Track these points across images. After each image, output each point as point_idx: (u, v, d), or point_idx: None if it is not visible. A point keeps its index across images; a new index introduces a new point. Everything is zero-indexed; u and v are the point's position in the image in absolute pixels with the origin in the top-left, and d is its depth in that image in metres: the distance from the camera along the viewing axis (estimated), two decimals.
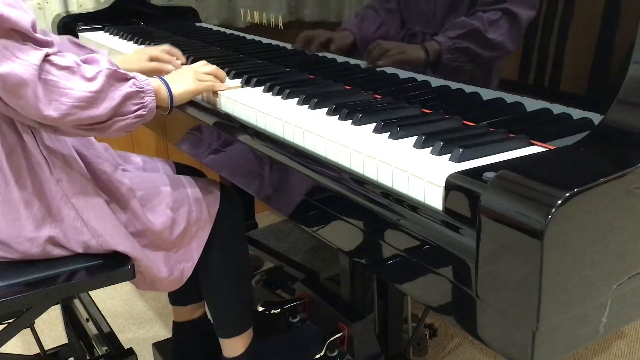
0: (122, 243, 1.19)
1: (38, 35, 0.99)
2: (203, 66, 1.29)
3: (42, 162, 1.12)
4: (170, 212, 1.26)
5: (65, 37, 1.42)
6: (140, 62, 1.44)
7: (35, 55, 0.98)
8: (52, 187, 1.13)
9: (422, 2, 1.10)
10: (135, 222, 1.22)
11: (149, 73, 1.41)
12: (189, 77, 1.23)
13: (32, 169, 1.12)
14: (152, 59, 1.45)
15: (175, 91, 1.19)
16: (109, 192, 1.20)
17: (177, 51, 1.52)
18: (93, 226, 1.16)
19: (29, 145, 1.11)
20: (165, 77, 1.20)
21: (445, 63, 1.07)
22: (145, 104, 1.10)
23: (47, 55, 1.00)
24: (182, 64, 1.50)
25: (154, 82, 1.15)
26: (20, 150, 1.11)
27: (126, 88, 1.07)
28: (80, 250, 1.18)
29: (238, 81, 1.33)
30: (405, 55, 1.15)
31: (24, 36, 0.98)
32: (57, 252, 1.17)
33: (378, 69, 1.20)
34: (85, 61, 1.07)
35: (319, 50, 1.36)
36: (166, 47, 1.51)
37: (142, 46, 1.74)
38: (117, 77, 1.07)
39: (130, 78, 1.09)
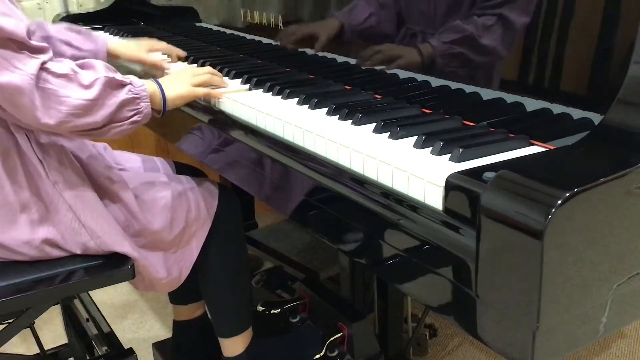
0: (120, 243, 1.18)
1: (33, 42, 0.99)
2: (198, 70, 1.27)
3: (38, 164, 1.11)
4: (169, 211, 1.26)
5: (62, 25, 1.43)
6: (140, 52, 1.47)
7: (31, 64, 0.98)
8: (49, 189, 1.13)
9: (422, 2, 1.09)
10: (134, 222, 1.22)
11: (147, 65, 1.47)
12: (184, 82, 1.22)
13: (27, 172, 1.12)
14: (152, 51, 1.47)
15: (169, 95, 1.18)
16: (106, 193, 1.20)
17: (178, 50, 1.55)
18: (91, 227, 1.16)
19: (23, 148, 1.10)
20: (160, 80, 1.19)
21: (438, 67, 1.07)
22: (140, 109, 1.10)
23: (44, 63, 1.00)
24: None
25: (150, 86, 1.14)
26: (15, 154, 1.10)
27: (122, 95, 1.07)
28: (79, 252, 1.18)
29: (244, 85, 1.29)
30: (403, 60, 1.15)
31: (19, 44, 0.98)
32: (56, 253, 1.17)
33: (377, 69, 1.20)
34: (81, 66, 1.06)
35: (306, 43, 1.37)
36: (166, 45, 1.55)
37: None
38: (114, 84, 1.07)
39: (127, 84, 1.09)
